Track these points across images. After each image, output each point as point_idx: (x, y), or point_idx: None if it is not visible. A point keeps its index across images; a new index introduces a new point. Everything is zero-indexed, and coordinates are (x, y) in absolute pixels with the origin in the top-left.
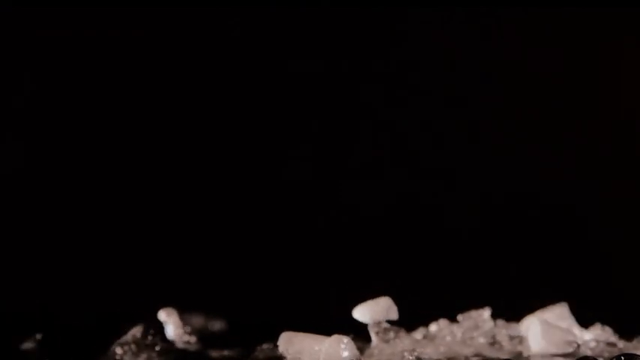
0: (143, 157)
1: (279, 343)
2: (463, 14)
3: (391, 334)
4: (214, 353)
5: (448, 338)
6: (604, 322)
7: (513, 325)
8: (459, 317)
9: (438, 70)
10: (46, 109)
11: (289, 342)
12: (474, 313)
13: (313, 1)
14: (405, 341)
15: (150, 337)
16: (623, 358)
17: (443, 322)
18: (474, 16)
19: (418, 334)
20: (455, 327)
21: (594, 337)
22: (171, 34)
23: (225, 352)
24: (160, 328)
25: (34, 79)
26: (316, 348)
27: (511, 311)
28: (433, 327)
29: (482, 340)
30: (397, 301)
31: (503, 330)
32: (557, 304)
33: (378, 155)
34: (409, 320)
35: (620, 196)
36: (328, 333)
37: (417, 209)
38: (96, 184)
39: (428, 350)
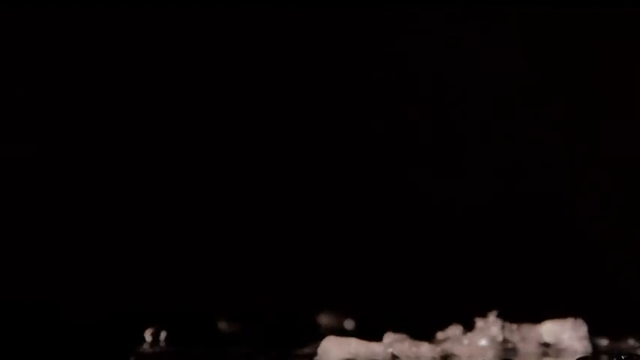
0: (164, 153)
1: (323, 347)
2: (463, 14)
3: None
4: (230, 352)
5: (458, 343)
6: (606, 325)
7: (523, 328)
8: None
9: (438, 69)
10: (48, 109)
11: (339, 346)
12: (481, 319)
13: (313, 1)
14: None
15: (162, 339)
16: (623, 357)
17: (454, 328)
18: (474, 16)
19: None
20: (463, 331)
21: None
22: (171, 34)
23: (241, 352)
24: (173, 329)
25: (34, 79)
26: (389, 350)
27: (513, 314)
28: (440, 333)
29: (486, 342)
30: (402, 305)
31: (512, 334)
32: (575, 319)
33: (381, 156)
34: (415, 324)
35: (622, 197)
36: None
37: (419, 210)
38: (113, 185)
39: (423, 349)
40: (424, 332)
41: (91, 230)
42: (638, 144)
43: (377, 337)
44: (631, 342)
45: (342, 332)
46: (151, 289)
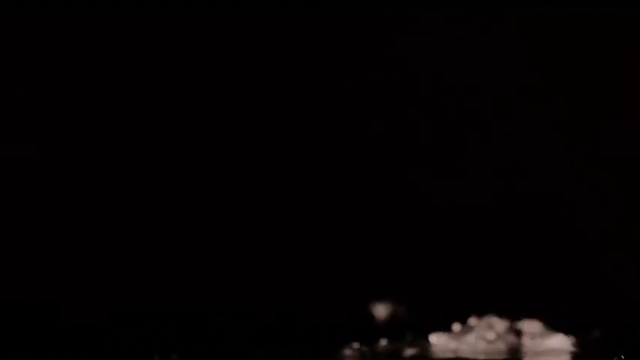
0: (165, 153)
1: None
2: (463, 14)
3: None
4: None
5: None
6: (605, 324)
7: (523, 327)
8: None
9: (438, 69)
10: (48, 109)
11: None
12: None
13: (313, 1)
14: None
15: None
16: (623, 357)
17: (456, 326)
18: (474, 16)
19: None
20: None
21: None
22: (171, 33)
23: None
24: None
25: (34, 79)
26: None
27: (512, 313)
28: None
29: (487, 341)
30: (401, 305)
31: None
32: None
33: (381, 157)
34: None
35: (622, 197)
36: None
37: (419, 211)
38: (126, 184)
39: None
40: (424, 332)
41: (91, 230)
42: (638, 144)
43: (376, 338)
44: (630, 341)
45: (341, 332)
46: (151, 289)
